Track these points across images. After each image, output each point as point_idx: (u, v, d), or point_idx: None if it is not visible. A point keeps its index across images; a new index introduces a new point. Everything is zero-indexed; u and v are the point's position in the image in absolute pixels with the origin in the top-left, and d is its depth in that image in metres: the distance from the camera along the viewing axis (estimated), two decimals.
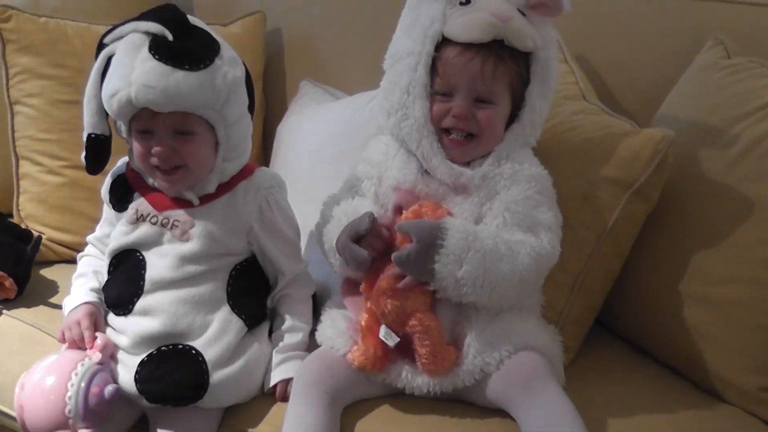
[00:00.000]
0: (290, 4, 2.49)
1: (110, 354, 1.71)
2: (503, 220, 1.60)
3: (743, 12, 1.99)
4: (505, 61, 1.61)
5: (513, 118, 1.66)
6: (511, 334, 1.59)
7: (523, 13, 1.64)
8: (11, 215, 2.25)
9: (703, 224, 1.75)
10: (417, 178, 1.67)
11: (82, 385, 1.64)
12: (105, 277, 1.79)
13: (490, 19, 1.59)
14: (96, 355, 1.69)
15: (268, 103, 2.49)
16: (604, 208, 1.75)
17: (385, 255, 1.61)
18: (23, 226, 2.19)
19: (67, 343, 1.73)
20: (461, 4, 1.63)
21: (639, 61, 2.04)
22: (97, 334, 1.72)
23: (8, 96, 2.24)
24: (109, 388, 1.66)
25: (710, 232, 1.73)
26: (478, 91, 1.62)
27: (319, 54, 2.43)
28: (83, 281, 1.81)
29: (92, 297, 1.77)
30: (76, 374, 1.66)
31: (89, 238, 1.87)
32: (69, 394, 1.65)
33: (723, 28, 1.96)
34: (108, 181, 1.81)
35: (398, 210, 1.67)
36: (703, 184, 1.76)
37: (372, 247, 1.61)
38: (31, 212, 2.22)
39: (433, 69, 1.63)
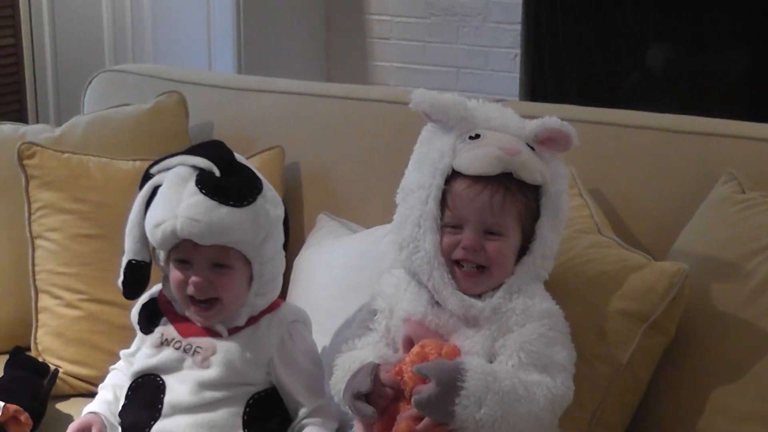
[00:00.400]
0: (308, 139, 2.53)
1: None
2: (518, 360, 1.59)
3: (757, 148, 2.01)
4: (514, 194, 1.63)
5: (524, 250, 1.67)
6: None
7: (532, 148, 1.66)
8: (29, 349, 2.25)
9: (723, 359, 1.73)
10: (427, 309, 1.67)
11: None
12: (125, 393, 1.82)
13: (498, 152, 1.62)
14: None
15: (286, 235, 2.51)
16: (620, 342, 1.74)
17: (396, 399, 1.60)
18: (40, 360, 2.20)
19: None
20: (470, 138, 1.66)
21: (653, 196, 2.05)
22: None
23: (30, 231, 2.26)
24: None
25: (730, 368, 1.72)
26: (488, 223, 1.63)
27: (337, 188, 2.46)
28: (101, 393, 1.86)
29: (101, 408, 1.82)
30: None
31: (122, 352, 1.91)
32: None
33: (737, 163, 1.98)
34: (139, 303, 1.84)
35: (409, 343, 1.67)
36: (721, 319, 1.75)
37: (377, 404, 1.61)
38: (48, 346, 2.22)
39: (444, 202, 1.65)
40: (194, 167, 1.72)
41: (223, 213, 1.67)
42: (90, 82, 2.88)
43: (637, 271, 1.77)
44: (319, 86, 2.77)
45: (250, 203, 1.70)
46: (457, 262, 1.65)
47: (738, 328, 1.73)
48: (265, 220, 1.72)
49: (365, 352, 1.70)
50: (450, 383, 1.53)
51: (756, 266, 1.76)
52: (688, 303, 1.75)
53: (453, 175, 1.64)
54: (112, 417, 1.82)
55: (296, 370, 1.78)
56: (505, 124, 1.69)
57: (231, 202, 1.68)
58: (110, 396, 1.85)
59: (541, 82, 4.24)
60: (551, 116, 1.68)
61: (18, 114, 4.14)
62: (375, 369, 1.63)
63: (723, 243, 1.84)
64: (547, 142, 1.67)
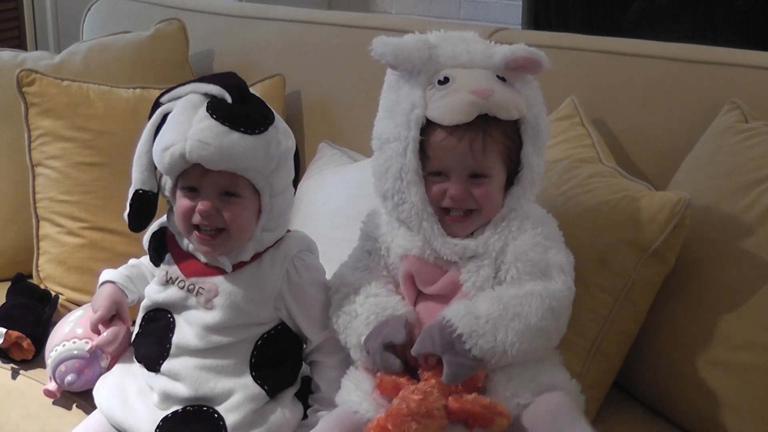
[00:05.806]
0: (309, 67, 2.52)
1: (111, 349, 1.79)
2: (516, 271, 1.59)
3: (761, 77, 1.99)
4: (494, 134, 1.60)
5: (510, 180, 1.65)
6: (538, 377, 1.58)
7: (503, 78, 1.63)
8: (31, 276, 2.26)
9: (722, 288, 1.74)
10: (424, 244, 1.65)
11: (54, 355, 1.85)
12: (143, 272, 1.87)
13: (471, 98, 1.58)
14: (82, 343, 1.84)
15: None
16: (621, 271, 1.75)
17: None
18: (42, 287, 2.21)
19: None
20: (440, 83, 1.62)
21: (655, 125, 2.04)
22: (111, 329, 1.80)
23: (30, 158, 2.27)
24: (69, 378, 1.83)
25: (729, 297, 1.72)
26: (471, 168, 1.60)
27: (338, 116, 2.45)
28: (125, 266, 1.89)
29: (120, 278, 1.85)
30: (63, 344, 1.85)
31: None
32: (51, 354, 1.86)
33: (741, 92, 1.96)
34: (150, 231, 1.82)
35: (410, 279, 1.67)
36: (721, 248, 1.76)
37: (405, 356, 1.61)
38: (50, 273, 2.24)
39: (422, 151, 1.62)
40: (206, 94, 1.69)
41: (234, 138, 1.63)
42: (89, 9, 2.87)
43: (638, 200, 1.77)
44: (320, 14, 2.75)
45: (261, 132, 1.66)
46: (446, 209, 1.63)
47: (738, 258, 1.73)
48: (276, 149, 1.68)
49: (392, 301, 1.68)
50: (447, 340, 1.54)
51: (757, 196, 1.75)
52: (688, 232, 1.75)
53: (428, 124, 1.61)
54: (127, 281, 1.86)
55: (304, 302, 1.75)
56: (471, 59, 1.64)
57: (242, 129, 1.64)
58: (133, 270, 1.88)
59: (545, 10, 4.19)
60: (520, 43, 1.64)
61: (17, 40, 4.12)
62: (407, 323, 1.62)
63: (725, 173, 1.83)
64: (519, 69, 1.63)
